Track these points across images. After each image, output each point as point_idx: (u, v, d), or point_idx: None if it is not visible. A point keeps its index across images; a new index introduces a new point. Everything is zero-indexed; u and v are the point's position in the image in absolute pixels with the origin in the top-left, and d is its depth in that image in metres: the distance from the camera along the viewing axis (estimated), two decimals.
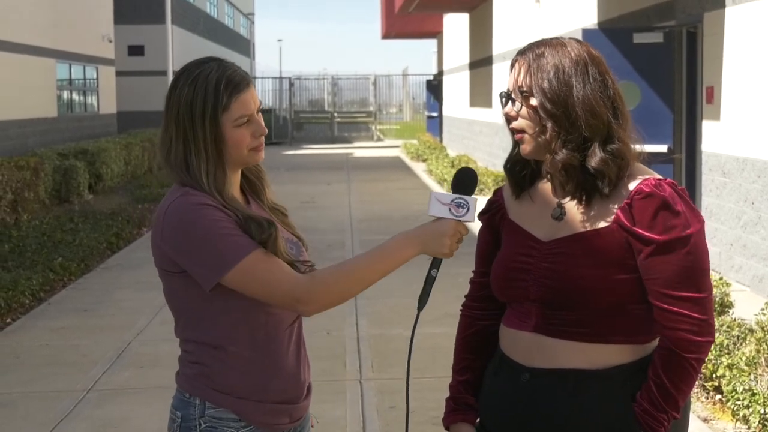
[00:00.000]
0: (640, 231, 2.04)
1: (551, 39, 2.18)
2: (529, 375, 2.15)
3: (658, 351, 2.07)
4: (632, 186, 2.08)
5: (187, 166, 2.21)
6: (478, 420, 2.31)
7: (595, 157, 2.08)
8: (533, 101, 2.12)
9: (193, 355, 2.26)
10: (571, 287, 2.08)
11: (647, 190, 2.06)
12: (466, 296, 2.42)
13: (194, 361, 2.26)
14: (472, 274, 2.42)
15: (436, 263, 2.23)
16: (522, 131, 2.14)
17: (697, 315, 2.04)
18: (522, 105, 2.13)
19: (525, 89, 2.13)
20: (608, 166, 2.07)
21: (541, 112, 2.10)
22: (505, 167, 2.28)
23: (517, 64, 2.17)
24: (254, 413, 2.24)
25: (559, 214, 2.16)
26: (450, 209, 2.20)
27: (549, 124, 2.09)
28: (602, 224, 2.09)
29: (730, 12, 8.39)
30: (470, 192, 2.22)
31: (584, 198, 2.11)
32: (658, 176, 2.11)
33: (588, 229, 2.10)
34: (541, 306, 2.13)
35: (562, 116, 2.08)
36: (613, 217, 2.08)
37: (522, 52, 2.17)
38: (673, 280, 2.04)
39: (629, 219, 2.06)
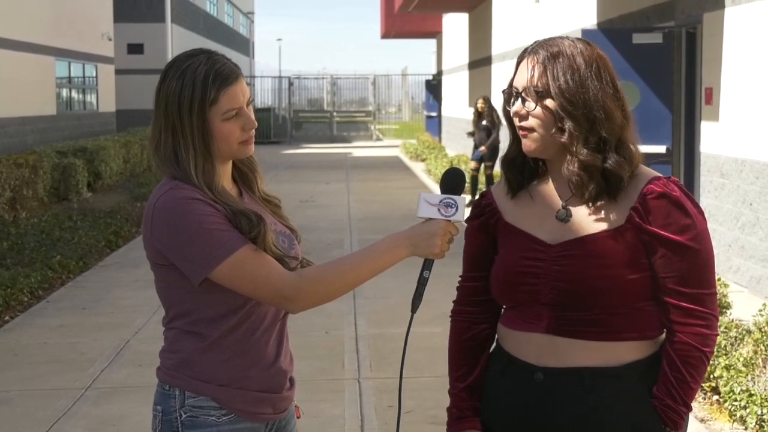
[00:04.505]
0: (657, 230, 2.06)
1: (560, 39, 2.16)
2: (542, 375, 2.14)
3: (675, 347, 2.08)
4: (640, 186, 2.09)
5: (176, 159, 2.20)
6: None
7: (612, 158, 2.08)
8: (549, 102, 2.09)
9: (175, 343, 2.26)
10: (585, 289, 2.08)
11: (659, 189, 2.07)
12: (455, 302, 2.37)
13: (175, 350, 2.25)
14: (459, 278, 2.37)
15: (428, 264, 2.22)
16: (531, 129, 2.12)
17: (709, 310, 2.09)
18: (536, 105, 2.10)
19: (540, 89, 2.10)
20: (624, 168, 2.08)
21: (561, 112, 2.08)
22: (502, 164, 2.26)
23: (528, 62, 2.13)
24: (236, 401, 2.23)
25: (565, 215, 2.14)
26: (439, 209, 2.19)
27: (568, 125, 2.07)
28: (613, 225, 2.09)
29: (730, 13, 8.39)
30: (458, 192, 2.22)
31: (595, 199, 2.11)
32: (662, 175, 2.13)
33: (598, 230, 2.09)
34: (553, 308, 2.12)
35: (582, 117, 2.07)
36: (625, 217, 2.08)
37: (534, 51, 2.13)
38: (687, 277, 2.07)
39: (643, 218, 2.07)
